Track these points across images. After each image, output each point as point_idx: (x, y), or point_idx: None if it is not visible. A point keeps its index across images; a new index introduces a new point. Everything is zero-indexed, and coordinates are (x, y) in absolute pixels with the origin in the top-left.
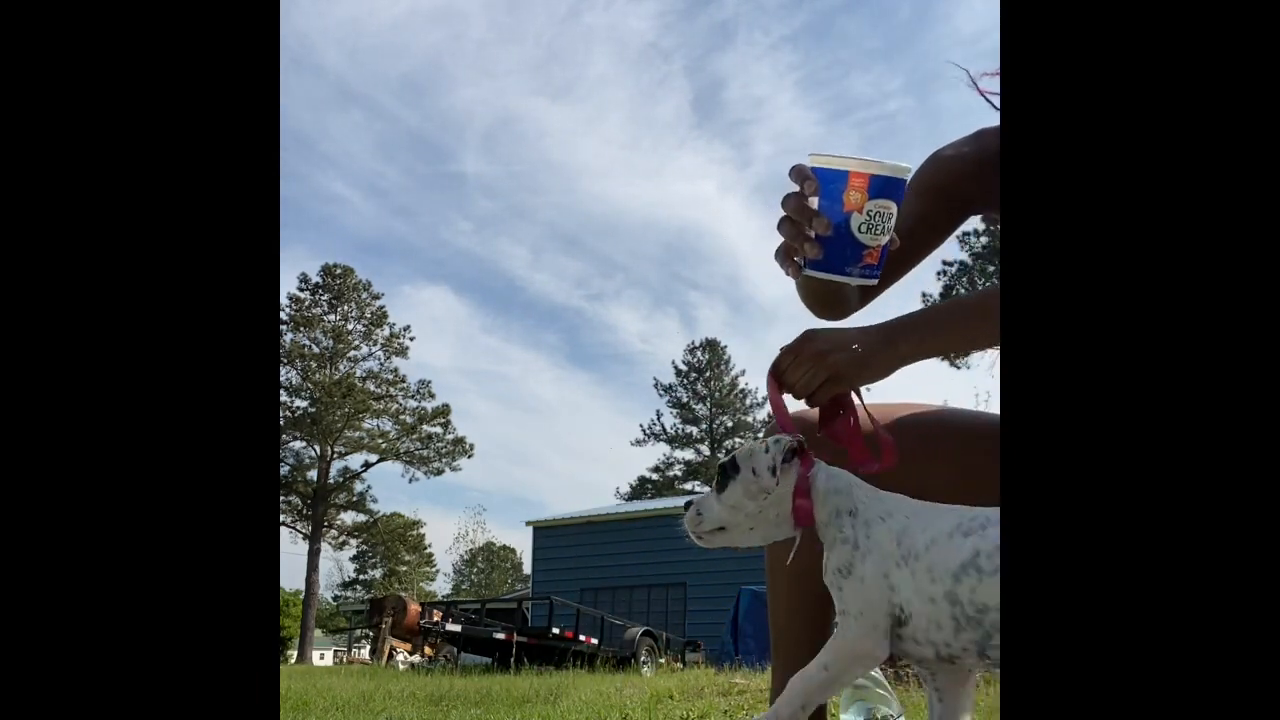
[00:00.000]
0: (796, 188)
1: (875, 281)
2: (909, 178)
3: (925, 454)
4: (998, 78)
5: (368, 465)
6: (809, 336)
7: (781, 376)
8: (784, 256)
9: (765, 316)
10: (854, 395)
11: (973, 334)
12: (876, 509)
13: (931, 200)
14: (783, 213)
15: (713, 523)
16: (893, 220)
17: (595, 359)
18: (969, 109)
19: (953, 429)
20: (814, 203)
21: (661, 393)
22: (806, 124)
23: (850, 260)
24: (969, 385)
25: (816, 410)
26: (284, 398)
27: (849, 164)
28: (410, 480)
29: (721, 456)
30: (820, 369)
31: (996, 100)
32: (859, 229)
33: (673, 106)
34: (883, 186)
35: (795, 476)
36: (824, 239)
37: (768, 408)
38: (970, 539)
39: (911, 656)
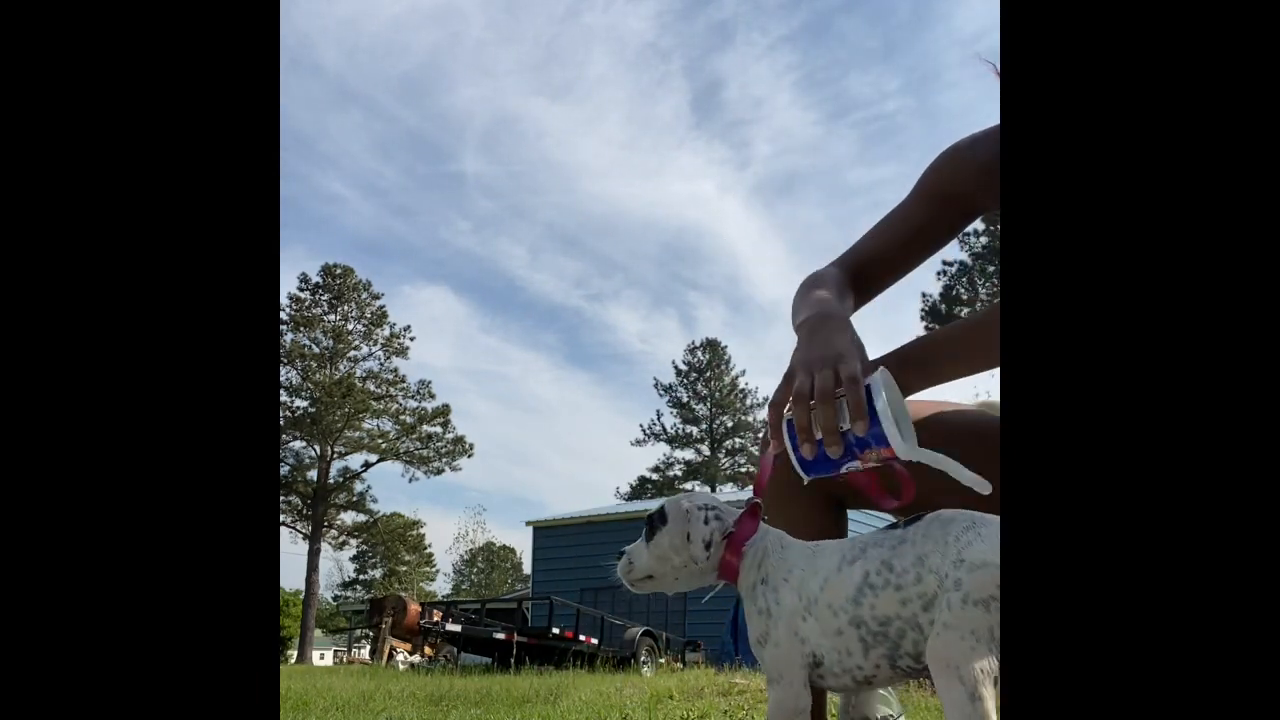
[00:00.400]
0: (837, 380)
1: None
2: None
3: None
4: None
5: (368, 465)
6: (794, 359)
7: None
8: (776, 421)
9: (764, 317)
10: None
11: (979, 361)
12: (780, 571)
13: (936, 208)
14: (812, 383)
15: (641, 571)
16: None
17: (594, 359)
18: (969, 108)
19: (953, 429)
20: (843, 423)
21: (662, 392)
22: (805, 124)
23: (821, 472)
24: (969, 385)
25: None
26: (284, 398)
27: (897, 442)
28: (410, 480)
29: (721, 457)
30: (827, 373)
31: None
32: (846, 469)
33: (671, 106)
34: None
35: (725, 542)
36: (820, 451)
37: (765, 412)
38: (856, 565)
39: (835, 689)
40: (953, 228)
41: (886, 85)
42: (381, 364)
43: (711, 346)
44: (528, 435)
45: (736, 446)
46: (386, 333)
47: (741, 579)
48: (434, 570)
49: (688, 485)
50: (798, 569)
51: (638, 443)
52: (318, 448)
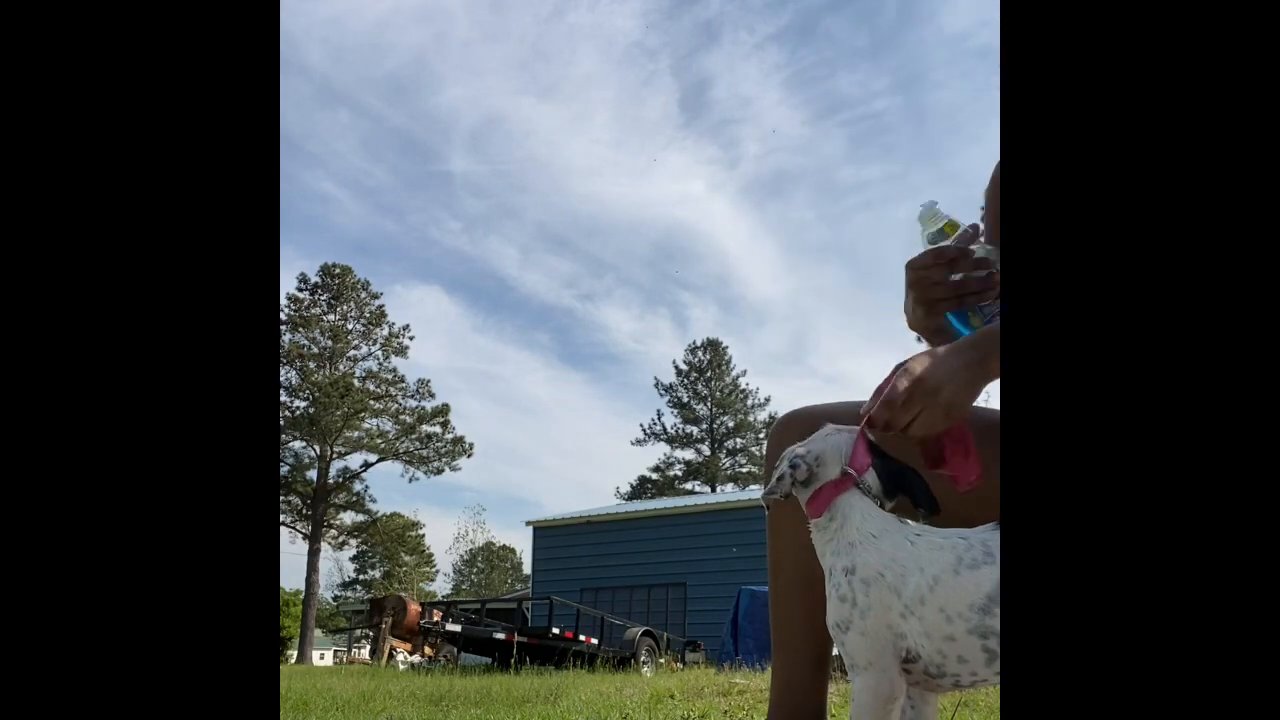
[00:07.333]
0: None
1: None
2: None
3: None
4: None
5: (367, 465)
6: (911, 373)
7: (889, 424)
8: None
9: (756, 316)
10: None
11: None
12: (873, 563)
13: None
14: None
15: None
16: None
17: (588, 359)
18: (955, 107)
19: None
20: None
21: (662, 392)
22: (794, 123)
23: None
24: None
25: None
26: (284, 398)
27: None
28: (409, 480)
29: (722, 457)
30: (936, 411)
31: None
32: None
33: (659, 106)
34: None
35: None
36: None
37: (769, 410)
38: (982, 570)
39: (925, 689)
40: None
41: (874, 84)
42: (380, 364)
43: (712, 346)
44: (524, 435)
45: (737, 446)
46: (385, 332)
47: (816, 538)
48: (434, 570)
49: (688, 485)
50: (895, 563)
51: (638, 442)
52: (317, 448)
